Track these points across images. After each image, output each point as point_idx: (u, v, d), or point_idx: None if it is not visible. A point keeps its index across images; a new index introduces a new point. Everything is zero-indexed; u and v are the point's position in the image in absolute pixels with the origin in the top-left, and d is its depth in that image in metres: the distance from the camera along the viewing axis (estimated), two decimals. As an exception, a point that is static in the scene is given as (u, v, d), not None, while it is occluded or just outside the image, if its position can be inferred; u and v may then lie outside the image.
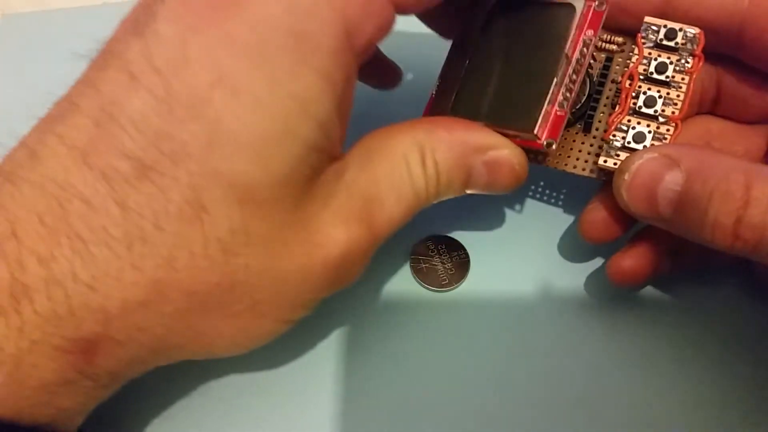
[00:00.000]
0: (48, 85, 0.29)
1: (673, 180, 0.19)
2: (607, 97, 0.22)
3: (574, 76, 0.21)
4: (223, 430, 0.22)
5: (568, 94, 0.21)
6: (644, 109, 0.21)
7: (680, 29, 0.21)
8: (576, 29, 0.20)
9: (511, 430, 0.22)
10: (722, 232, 0.18)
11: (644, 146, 0.21)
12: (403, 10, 0.18)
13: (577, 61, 0.20)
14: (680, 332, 0.23)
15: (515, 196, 0.23)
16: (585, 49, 0.21)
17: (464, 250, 0.25)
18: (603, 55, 0.23)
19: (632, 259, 0.22)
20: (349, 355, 0.23)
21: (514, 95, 0.21)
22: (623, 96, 0.21)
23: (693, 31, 0.21)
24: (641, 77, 0.21)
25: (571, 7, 0.21)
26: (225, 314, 0.17)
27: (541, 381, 0.22)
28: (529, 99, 0.20)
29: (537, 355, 0.23)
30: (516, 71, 0.21)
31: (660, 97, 0.21)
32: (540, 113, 0.20)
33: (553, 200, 0.26)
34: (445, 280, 0.24)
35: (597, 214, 0.22)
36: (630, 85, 0.21)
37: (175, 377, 0.22)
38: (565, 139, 0.23)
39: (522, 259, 0.25)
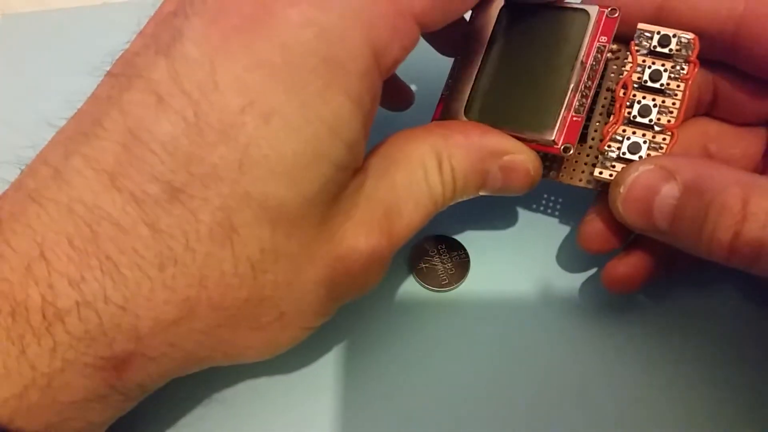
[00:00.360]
0: (49, 86, 0.29)
1: (669, 193, 0.19)
2: (603, 106, 0.22)
3: (589, 83, 0.21)
4: (222, 430, 0.22)
5: (583, 100, 0.21)
6: (639, 119, 0.21)
7: (674, 35, 0.21)
8: (590, 36, 0.21)
9: (509, 429, 0.22)
10: (719, 247, 0.18)
11: (640, 156, 0.21)
12: (427, 29, 0.18)
13: (592, 67, 0.21)
14: (678, 334, 0.23)
15: (516, 196, 0.23)
16: (599, 56, 0.21)
17: (464, 250, 0.25)
18: None
19: (626, 266, 0.22)
20: (349, 355, 0.23)
21: (530, 100, 0.21)
22: (617, 105, 0.21)
23: (688, 37, 0.21)
24: (636, 85, 0.21)
25: (585, 14, 0.21)
26: (253, 327, 0.18)
27: (541, 381, 0.22)
28: (545, 104, 0.21)
29: (536, 355, 0.23)
30: (530, 76, 0.21)
31: (655, 105, 0.21)
32: (557, 118, 0.20)
33: (553, 200, 0.26)
34: (445, 280, 0.24)
35: (594, 225, 0.22)
36: (624, 94, 0.21)
37: (176, 379, 0.22)
38: None
39: (522, 259, 0.25)
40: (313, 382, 0.23)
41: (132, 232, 0.16)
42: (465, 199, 0.21)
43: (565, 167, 0.22)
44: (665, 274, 0.22)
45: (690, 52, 0.21)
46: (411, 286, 0.25)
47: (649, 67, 0.21)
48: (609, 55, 0.22)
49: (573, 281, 0.24)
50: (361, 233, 0.18)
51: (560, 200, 0.26)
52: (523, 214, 0.26)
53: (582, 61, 0.20)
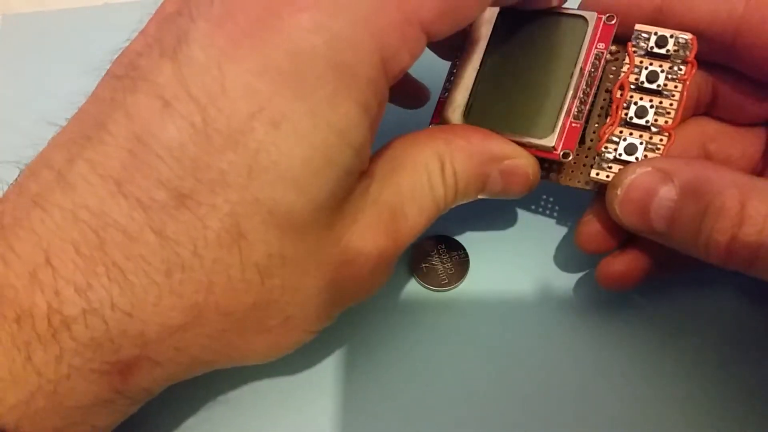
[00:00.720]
0: (49, 86, 0.29)
1: (666, 195, 0.19)
2: (601, 107, 0.22)
3: (587, 89, 0.21)
4: (223, 430, 0.22)
5: (582, 107, 0.21)
6: (635, 120, 0.21)
7: (671, 36, 0.21)
8: (588, 42, 0.21)
9: (509, 428, 0.22)
10: (716, 250, 0.18)
11: (636, 158, 0.21)
12: (433, 39, 0.18)
13: (590, 73, 0.21)
14: (677, 333, 0.23)
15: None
16: (597, 62, 0.21)
17: (464, 249, 0.25)
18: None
19: (621, 264, 0.22)
20: (349, 355, 0.23)
21: (529, 106, 0.21)
22: (614, 107, 0.21)
23: (685, 37, 0.21)
24: (633, 87, 0.21)
25: (584, 20, 0.21)
26: (259, 331, 0.18)
27: (540, 380, 0.23)
28: (544, 110, 0.21)
29: (536, 354, 0.23)
30: (529, 82, 0.21)
31: (652, 106, 0.21)
32: (557, 125, 0.20)
33: (552, 200, 0.26)
34: (444, 279, 0.24)
35: (592, 226, 0.22)
36: (621, 95, 0.21)
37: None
38: None
39: (521, 259, 0.25)
40: (314, 381, 0.23)
41: (139, 239, 0.15)
42: (465, 202, 0.21)
43: (563, 169, 0.22)
44: (661, 274, 0.22)
45: (687, 53, 0.21)
46: (411, 286, 0.25)
47: (646, 68, 0.21)
48: (608, 57, 0.22)
49: (572, 281, 0.25)
50: (368, 237, 0.19)
51: (559, 200, 0.26)
52: (522, 214, 0.26)
53: (581, 68, 0.21)
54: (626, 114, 0.21)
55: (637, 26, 0.21)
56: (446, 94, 0.22)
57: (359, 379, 0.23)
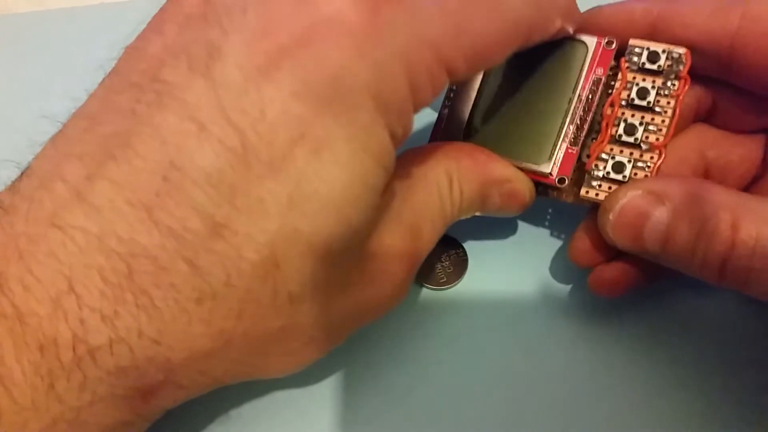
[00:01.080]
0: (48, 85, 0.29)
1: (659, 219, 0.19)
2: (598, 123, 0.22)
3: (585, 115, 0.21)
4: (221, 429, 0.22)
5: (578, 132, 0.21)
6: (625, 137, 0.21)
7: (664, 51, 0.20)
8: (587, 68, 0.21)
9: (507, 427, 0.22)
10: (710, 272, 0.18)
11: (624, 176, 0.21)
12: (453, 79, 0.18)
13: (587, 98, 0.21)
14: (675, 335, 0.23)
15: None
16: (595, 88, 0.21)
17: (462, 248, 0.25)
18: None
19: (613, 272, 0.22)
20: (347, 354, 0.23)
21: (527, 130, 0.21)
22: (604, 124, 0.21)
23: (679, 52, 0.20)
24: (624, 103, 0.21)
25: (583, 45, 0.21)
26: (283, 353, 0.18)
27: (537, 379, 0.23)
28: (541, 135, 0.21)
29: (534, 353, 0.23)
30: (528, 106, 0.22)
31: (641, 124, 0.21)
32: (554, 151, 0.21)
33: (550, 200, 0.26)
34: (443, 278, 0.25)
35: (583, 242, 0.22)
36: (611, 112, 0.21)
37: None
38: None
39: (520, 258, 0.25)
40: (309, 380, 0.23)
41: (170, 268, 0.15)
42: (463, 218, 0.22)
43: (556, 187, 0.22)
44: (653, 281, 0.23)
45: (681, 68, 0.20)
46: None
47: (637, 85, 0.21)
48: (604, 80, 0.21)
49: (570, 280, 0.25)
50: (392, 258, 0.19)
51: (558, 201, 0.26)
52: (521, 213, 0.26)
53: (579, 94, 0.21)
54: (616, 131, 0.21)
55: (632, 41, 0.21)
56: (445, 111, 0.22)
57: (357, 377, 0.23)
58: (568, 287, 0.25)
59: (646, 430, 0.22)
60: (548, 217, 0.26)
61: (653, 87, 0.21)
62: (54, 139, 0.17)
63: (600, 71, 0.21)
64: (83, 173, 0.15)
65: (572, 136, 0.21)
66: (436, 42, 0.16)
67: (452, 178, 0.20)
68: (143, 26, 0.18)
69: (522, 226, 0.26)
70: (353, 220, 0.16)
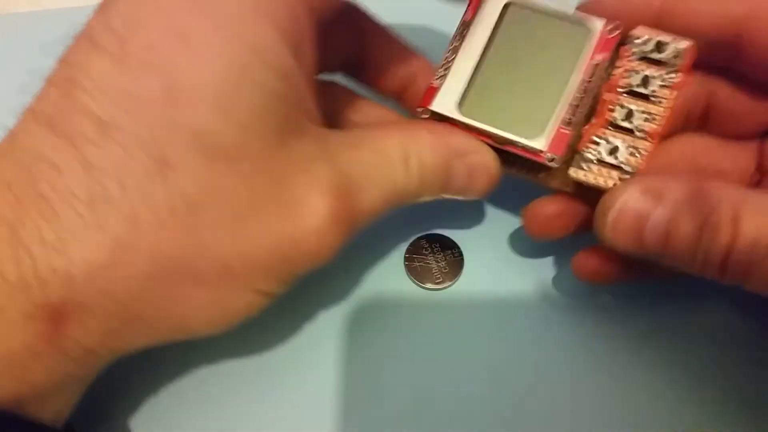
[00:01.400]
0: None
1: (659, 219, 0.18)
2: (594, 108, 0.22)
3: (581, 98, 0.21)
4: (219, 427, 0.22)
5: (573, 114, 0.21)
6: (621, 123, 0.21)
7: (668, 42, 0.20)
8: (588, 52, 0.21)
9: (504, 426, 0.22)
10: (711, 267, 0.18)
11: (616, 159, 0.20)
12: None
13: (586, 82, 0.21)
14: (674, 333, 0.23)
15: (509, 195, 0.24)
16: (594, 72, 0.21)
17: (458, 248, 0.25)
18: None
19: (598, 259, 0.22)
20: (344, 354, 0.23)
21: (523, 106, 0.21)
22: (600, 108, 0.21)
23: (683, 45, 0.20)
24: (623, 90, 0.21)
25: (587, 30, 0.21)
26: (195, 281, 0.17)
27: (534, 378, 0.23)
28: (537, 113, 0.21)
29: (530, 352, 0.23)
30: (526, 82, 0.21)
31: (641, 111, 0.21)
32: (547, 128, 0.21)
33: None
34: (439, 278, 0.25)
35: (544, 208, 0.22)
36: (609, 97, 0.21)
37: (170, 380, 0.23)
38: None
39: (516, 257, 0.25)
40: (307, 379, 0.23)
41: (67, 172, 0.15)
42: (428, 198, 0.21)
43: (543, 170, 0.22)
44: (645, 276, 0.23)
45: (684, 60, 0.20)
46: (405, 285, 0.25)
47: (637, 73, 0.21)
48: (605, 65, 0.21)
49: (567, 280, 0.25)
50: (318, 191, 0.18)
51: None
52: (516, 213, 0.26)
53: (577, 77, 0.21)
54: (613, 116, 0.21)
55: (634, 30, 0.21)
56: (440, 80, 0.22)
57: (353, 377, 0.23)
58: (565, 288, 0.24)
59: (644, 428, 0.22)
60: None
61: (654, 77, 0.21)
62: None
63: (600, 57, 0.21)
64: (18, 120, 0.17)
65: (567, 117, 0.21)
66: None
67: (409, 153, 0.20)
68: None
69: (517, 226, 0.26)
70: (238, 116, 0.16)
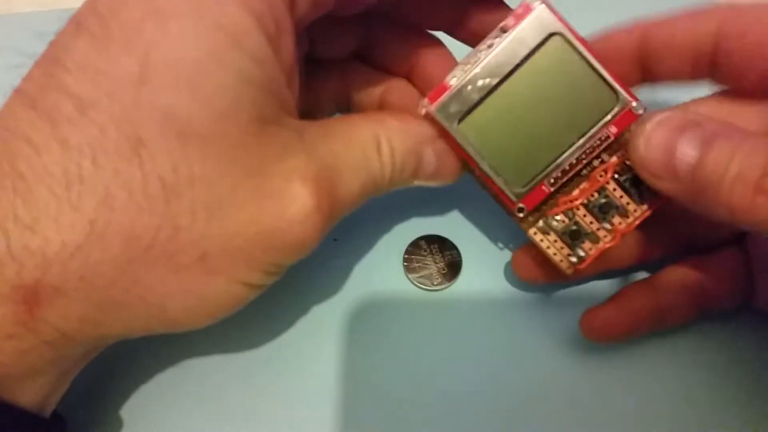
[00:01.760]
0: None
1: (693, 137, 0.18)
2: (582, 175, 0.22)
3: (576, 163, 0.21)
4: (217, 425, 0.22)
5: (562, 177, 0.21)
6: (596, 210, 0.21)
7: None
8: (605, 120, 0.21)
9: (502, 426, 0.22)
10: (743, 189, 0.17)
11: (573, 241, 0.21)
12: None
13: (586, 151, 0.21)
14: (674, 336, 0.23)
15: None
16: (599, 143, 0.21)
17: (456, 249, 0.25)
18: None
19: (605, 315, 0.22)
20: (343, 354, 0.23)
21: (520, 149, 0.21)
22: (588, 185, 0.21)
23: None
24: (615, 178, 0.21)
25: (616, 97, 0.20)
26: (171, 267, 0.17)
27: (532, 378, 0.23)
28: (530, 161, 0.21)
29: (527, 352, 0.23)
30: (535, 125, 0.21)
31: (618, 207, 0.21)
32: (531, 182, 0.21)
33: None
34: (437, 279, 0.25)
35: (525, 258, 0.23)
36: (601, 178, 0.21)
37: (169, 379, 0.23)
38: None
39: (513, 258, 0.25)
40: (306, 379, 0.23)
41: (43, 150, 0.15)
42: (402, 185, 0.21)
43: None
44: (653, 329, 0.23)
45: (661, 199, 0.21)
46: (404, 286, 0.25)
47: (631, 171, 0.21)
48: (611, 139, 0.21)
49: (577, 285, 0.25)
50: (297, 179, 0.17)
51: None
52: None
53: (585, 141, 0.21)
54: (592, 201, 0.21)
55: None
56: (455, 81, 0.21)
57: (351, 377, 0.23)
58: (562, 288, 0.25)
59: (644, 428, 0.22)
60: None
61: (647, 188, 0.21)
62: None
63: (614, 130, 0.21)
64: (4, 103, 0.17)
65: (555, 176, 0.21)
66: None
67: (380, 139, 0.20)
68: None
69: (515, 227, 0.26)
70: (214, 101, 0.16)
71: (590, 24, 0.22)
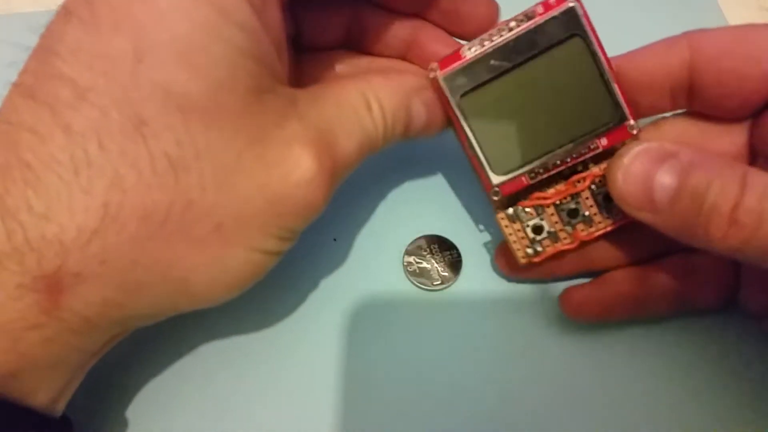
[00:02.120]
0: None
1: (670, 169, 0.19)
2: (562, 176, 0.22)
3: (560, 164, 0.21)
4: (219, 425, 0.22)
5: (543, 172, 0.21)
6: (564, 214, 0.22)
7: None
8: (598, 133, 0.21)
9: (502, 425, 0.22)
10: (718, 220, 0.18)
11: (533, 237, 0.22)
12: None
13: (573, 155, 0.21)
14: (671, 333, 0.24)
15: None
16: (586, 151, 0.21)
17: (456, 249, 0.25)
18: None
19: (585, 293, 0.23)
20: (343, 354, 0.23)
21: (513, 137, 0.21)
22: (563, 188, 0.22)
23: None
24: (591, 187, 0.22)
25: (618, 112, 0.21)
26: (189, 241, 0.17)
27: (532, 378, 0.23)
28: (518, 151, 0.21)
29: (527, 352, 0.23)
30: (534, 119, 0.21)
31: (584, 215, 0.22)
32: (514, 172, 0.21)
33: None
34: (437, 279, 0.25)
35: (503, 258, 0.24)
36: (578, 185, 0.22)
37: (171, 378, 0.23)
38: None
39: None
40: (306, 379, 0.23)
41: (47, 138, 0.16)
42: (396, 140, 0.21)
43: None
44: (633, 315, 0.23)
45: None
46: (404, 286, 0.25)
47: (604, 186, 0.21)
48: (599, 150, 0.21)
49: (564, 281, 0.25)
50: (297, 144, 0.18)
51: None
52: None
53: (575, 147, 0.21)
54: (564, 201, 0.22)
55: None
56: (471, 53, 0.21)
57: (351, 377, 0.23)
58: (561, 287, 0.25)
59: (644, 428, 0.22)
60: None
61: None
62: None
63: (604, 141, 0.21)
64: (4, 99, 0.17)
65: (536, 171, 0.21)
66: None
67: (368, 98, 0.20)
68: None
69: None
70: (211, 73, 0.16)
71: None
